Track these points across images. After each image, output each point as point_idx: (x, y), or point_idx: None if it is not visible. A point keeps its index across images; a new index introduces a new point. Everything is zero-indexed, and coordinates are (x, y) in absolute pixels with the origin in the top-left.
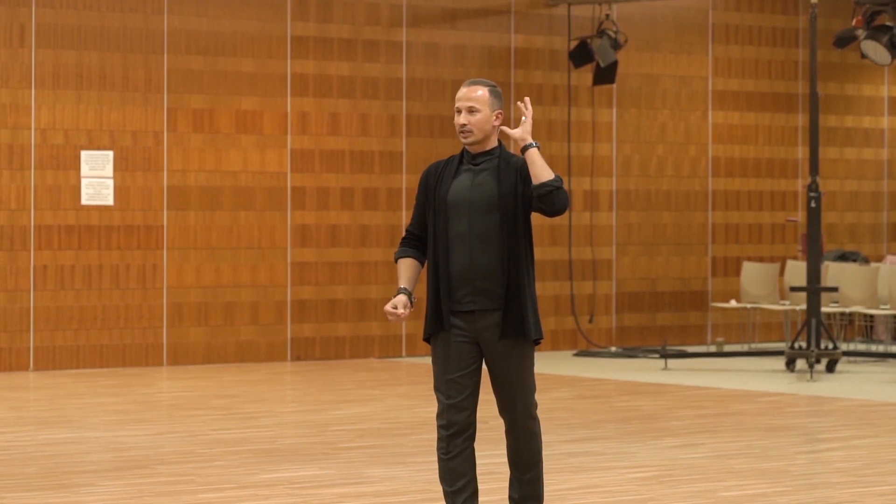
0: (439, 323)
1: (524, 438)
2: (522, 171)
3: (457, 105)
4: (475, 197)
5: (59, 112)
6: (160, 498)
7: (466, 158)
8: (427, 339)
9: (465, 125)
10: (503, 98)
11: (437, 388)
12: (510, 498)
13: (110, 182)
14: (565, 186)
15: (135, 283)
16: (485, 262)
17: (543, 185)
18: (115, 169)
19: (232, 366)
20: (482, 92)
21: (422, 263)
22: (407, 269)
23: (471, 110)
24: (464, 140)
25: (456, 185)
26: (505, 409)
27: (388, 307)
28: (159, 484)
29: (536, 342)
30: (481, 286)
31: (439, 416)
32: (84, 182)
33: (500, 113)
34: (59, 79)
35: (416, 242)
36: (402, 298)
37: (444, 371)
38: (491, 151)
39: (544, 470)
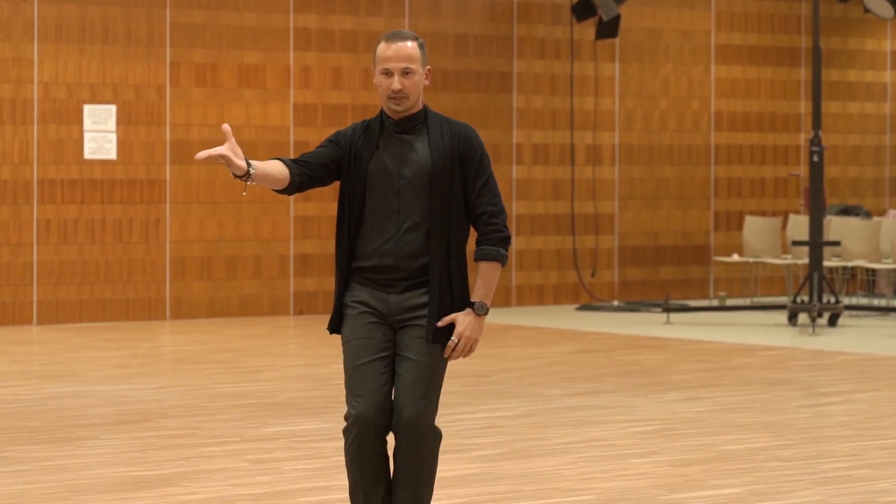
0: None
1: (423, 452)
2: (460, 149)
3: (386, 66)
4: (406, 170)
5: (61, 66)
6: (163, 451)
7: (388, 125)
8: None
9: (400, 91)
10: (510, 53)
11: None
12: None
13: (113, 136)
14: (568, 141)
15: (138, 237)
16: (413, 244)
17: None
18: (118, 123)
19: (235, 320)
20: (413, 47)
21: (289, 180)
22: (271, 161)
23: (405, 72)
24: (396, 107)
25: (381, 157)
26: (402, 410)
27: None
28: (162, 437)
29: None
30: (406, 267)
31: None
32: (87, 136)
33: (430, 70)
34: (61, 33)
35: (300, 166)
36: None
37: (354, 357)
38: (416, 116)
39: (550, 424)
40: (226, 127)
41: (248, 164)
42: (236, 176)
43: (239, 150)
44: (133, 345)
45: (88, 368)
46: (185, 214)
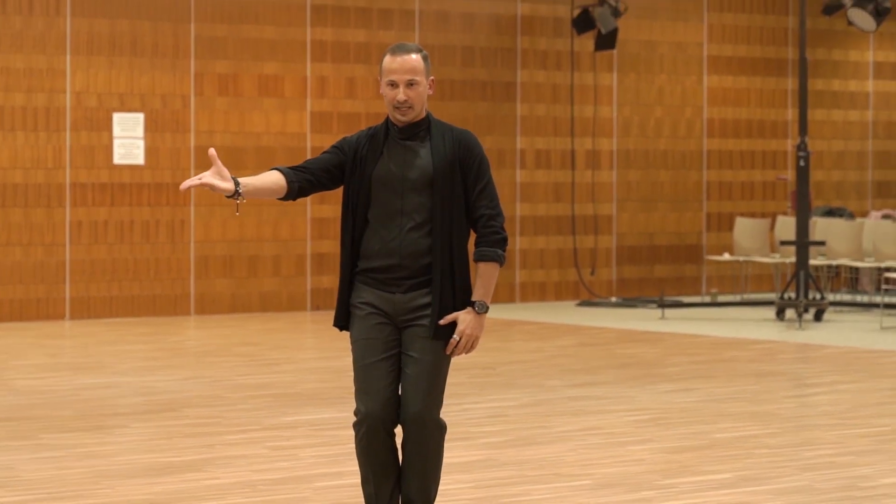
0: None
1: (429, 444)
2: (461, 154)
3: (391, 78)
4: (409, 174)
5: (92, 77)
6: (188, 439)
7: (393, 132)
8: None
9: (405, 101)
10: (514, 64)
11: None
12: None
13: (141, 142)
14: (569, 147)
15: (164, 237)
16: (416, 243)
17: (500, 259)
18: (146, 130)
19: (255, 315)
20: (417, 59)
21: (287, 188)
22: (266, 174)
23: (410, 84)
24: (402, 117)
25: (385, 162)
26: (408, 405)
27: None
28: (187, 426)
29: None
30: (410, 265)
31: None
32: (116, 142)
33: (433, 80)
34: (92, 46)
35: (300, 173)
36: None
37: (362, 357)
38: (420, 123)
39: (552, 413)
40: (211, 151)
41: (237, 184)
42: (227, 196)
43: (225, 172)
44: (160, 339)
45: (118, 361)
46: (208, 216)
